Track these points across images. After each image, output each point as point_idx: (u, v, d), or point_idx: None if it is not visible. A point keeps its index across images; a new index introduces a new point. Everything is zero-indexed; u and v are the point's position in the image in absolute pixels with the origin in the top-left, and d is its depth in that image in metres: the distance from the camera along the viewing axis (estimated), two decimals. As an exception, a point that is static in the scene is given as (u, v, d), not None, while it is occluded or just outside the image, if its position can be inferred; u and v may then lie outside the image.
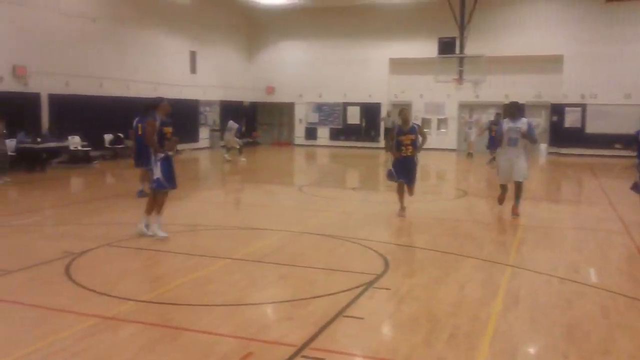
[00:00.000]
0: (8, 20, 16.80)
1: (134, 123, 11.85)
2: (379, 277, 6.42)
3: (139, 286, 6.06)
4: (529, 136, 9.80)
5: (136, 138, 11.84)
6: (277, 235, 8.58)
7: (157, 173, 8.10)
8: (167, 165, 8.16)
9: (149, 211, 8.27)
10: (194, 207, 12.00)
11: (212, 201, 13.02)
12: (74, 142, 18.62)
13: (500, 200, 10.62)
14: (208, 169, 21.07)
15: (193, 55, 25.71)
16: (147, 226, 8.28)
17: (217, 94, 27.40)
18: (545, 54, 24.92)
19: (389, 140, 10.26)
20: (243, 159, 20.52)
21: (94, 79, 19.90)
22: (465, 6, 24.00)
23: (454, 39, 24.06)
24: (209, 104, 27.07)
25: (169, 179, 8.20)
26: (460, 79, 24.27)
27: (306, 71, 29.43)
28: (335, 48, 28.79)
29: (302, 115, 30.13)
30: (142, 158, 11.47)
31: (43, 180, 15.40)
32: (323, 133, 29.86)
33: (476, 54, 23.44)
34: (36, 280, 6.30)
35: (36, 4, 17.68)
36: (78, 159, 18.53)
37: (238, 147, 20.68)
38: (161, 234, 8.15)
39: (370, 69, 28.22)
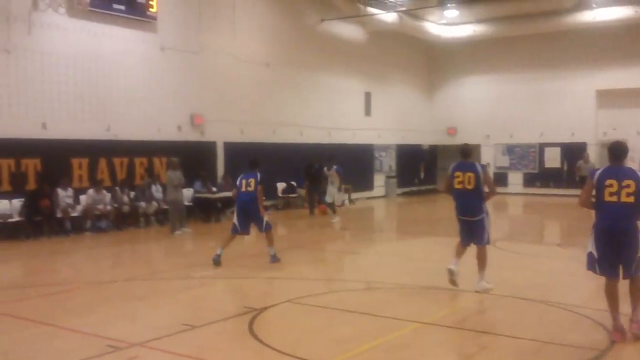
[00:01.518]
0: (186, 69, 18.83)
1: (238, 180, 11.16)
2: (603, 353, 5.99)
3: (326, 347, 6.26)
4: None
5: (239, 196, 11.03)
6: (472, 298, 8.39)
7: (488, 226, 8.61)
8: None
9: (483, 266, 8.60)
10: (368, 261, 12.22)
11: (388, 254, 13.15)
12: (248, 191, 19.98)
13: None
14: (383, 219, 21.37)
15: (368, 96, 26.60)
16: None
17: (393, 138, 27.92)
18: None
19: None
20: (334, 220, 17.80)
21: (267, 125, 21.41)
22: (693, 24, 22.19)
23: (679, 63, 22.24)
24: (384, 148, 27.65)
25: None
26: (689, 111, 22.22)
27: (493, 109, 28.98)
28: (527, 81, 28.06)
29: (490, 159, 29.49)
30: (246, 221, 10.94)
31: (218, 230, 16.68)
32: (515, 178, 28.93)
33: None
34: (221, 336, 6.81)
35: (212, 52, 19.62)
36: (251, 209, 19.81)
37: (331, 201, 18.32)
38: (486, 285, 8.50)
39: (572, 104, 27.00)
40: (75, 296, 8.96)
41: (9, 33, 14.59)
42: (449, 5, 25.70)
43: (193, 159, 18.34)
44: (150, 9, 17.35)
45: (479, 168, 8.55)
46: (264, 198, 11.25)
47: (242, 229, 11.01)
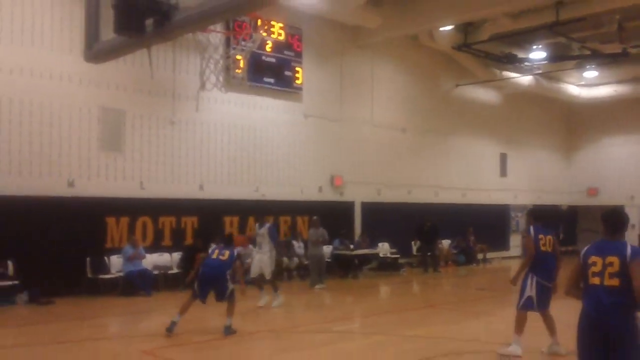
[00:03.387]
0: (327, 135, 19.51)
1: (211, 250, 10.21)
2: None
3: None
4: None
5: (209, 262, 9.84)
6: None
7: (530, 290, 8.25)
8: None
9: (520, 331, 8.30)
10: (505, 324, 11.67)
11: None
12: (384, 249, 20.12)
13: None
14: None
15: (503, 157, 26.06)
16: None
17: (529, 198, 26.97)
18: None
19: None
20: (276, 302, 12.62)
21: (403, 186, 21.52)
22: None
23: None
24: (520, 208, 26.74)
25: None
26: None
27: (637, 169, 27.21)
28: (675, 140, 26.23)
29: (635, 220, 27.46)
30: (207, 288, 9.72)
31: (355, 286, 16.84)
32: (662, 242, 26.74)
33: None
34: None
35: (352, 119, 20.20)
36: (387, 266, 19.89)
37: (267, 277, 12.57)
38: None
39: None
40: (223, 345, 9.37)
41: (174, 107, 15.99)
42: (588, 66, 24.81)
43: (332, 218, 18.77)
44: (296, 81, 18.34)
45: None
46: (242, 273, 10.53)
47: (201, 296, 9.72)
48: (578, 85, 27.22)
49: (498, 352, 8.10)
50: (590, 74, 25.84)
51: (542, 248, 8.18)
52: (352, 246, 18.77)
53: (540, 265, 8.18)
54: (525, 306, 8.25)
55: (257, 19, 15.64)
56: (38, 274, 13.04)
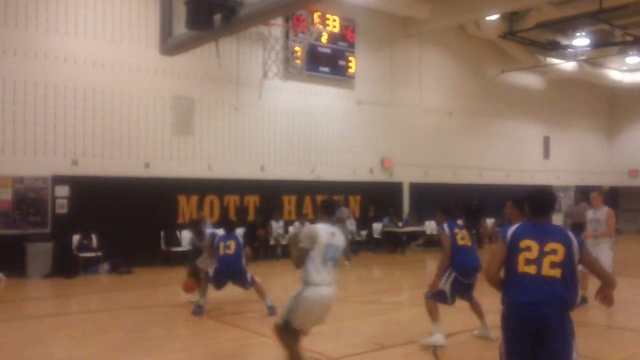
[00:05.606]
0: (378, 119, 19.38)
1: (216, 242, 9.16)
2: None
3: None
4: None
5: (223, 259, 9.04)
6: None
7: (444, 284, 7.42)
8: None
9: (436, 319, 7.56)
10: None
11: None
12: (430, 227, 19.92)
13: None
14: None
15: (546, 140, 25.35)
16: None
17: (572, 179, 26.22)
18: None
19: None
20: (195, 300, 9.44)
21: (449, 168, 21.23)
22: None
23: None
24: (563, 189, 26.02)
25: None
26: None
27: (679, 151, 26.08)
28: None
29: (675, 201, 26.45)
30: (225, 281, 9.11)
31: (403, 261, 16.78)
32: (703, 222, 25.60)
33: None
34: (410, 357, 6.85)
35: (402, 104, 20.01)
36: (433, 243, 19.68)
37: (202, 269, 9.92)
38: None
39: None
40: (284, 313, 9.49)
41: (238, 95, 16.18)
42: (630, 52, 23.78)
43: (382, 197, 18.77)
44: (349, 70, 18.24)
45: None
46: (250, 258, 9.66)
47: (217, 287, 9.19)
48: (620, 71, 26.20)
49: (421, 342, 7.32)
50: (632, 59, 24.83)
51: (460, 242, 7.39)
52: (400, 224, 18.68)
53: (457, 260, 7.37)
54: (435, 298, 7.48)
55: (313, 12, 15.60)
56: (118, 247, 13.53)
